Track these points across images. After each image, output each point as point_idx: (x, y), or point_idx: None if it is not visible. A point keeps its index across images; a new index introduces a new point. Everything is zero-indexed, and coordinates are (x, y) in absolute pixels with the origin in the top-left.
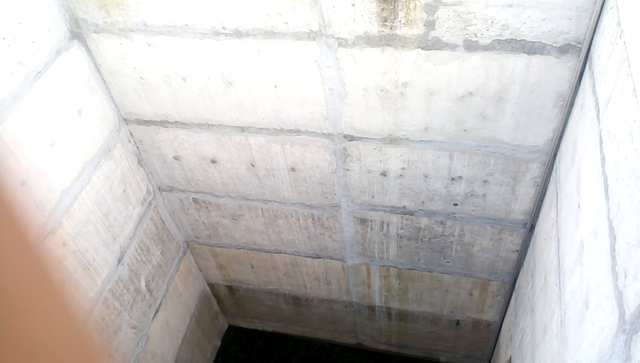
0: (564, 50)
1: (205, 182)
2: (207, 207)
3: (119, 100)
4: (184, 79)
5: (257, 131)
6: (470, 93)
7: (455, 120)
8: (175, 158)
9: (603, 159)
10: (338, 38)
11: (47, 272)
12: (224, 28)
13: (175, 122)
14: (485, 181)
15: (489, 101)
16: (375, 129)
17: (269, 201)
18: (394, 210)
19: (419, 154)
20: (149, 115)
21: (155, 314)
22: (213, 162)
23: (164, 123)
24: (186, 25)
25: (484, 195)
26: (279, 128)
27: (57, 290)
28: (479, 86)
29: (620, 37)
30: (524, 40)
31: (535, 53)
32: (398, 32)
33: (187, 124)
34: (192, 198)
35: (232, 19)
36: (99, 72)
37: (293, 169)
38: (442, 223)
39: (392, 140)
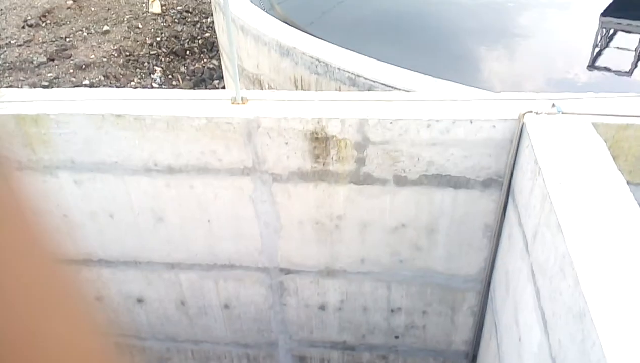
0: (486, 184)
1: (130, 324)
2: (131, 352)
3: None
4: (111, 216)
5: (188, 267)
6: (403, 225)
7: (390, 251)
8: (97, 299)
9: (537, 292)
10: (272, 174)
11: None
12: (155, 165)
13: (100, 260)
14: (424, 311)
15: (421, 232)
16: (312, 261)
17: (200, 342)
18: (334, 345)
19: (357, 286)
20: (71, 254)
21: None
22: (139, 301)
23: (86, 262)
24: (116, 162)
25: (424, 326)
26: (212, 263)
27: None
28: (411, 218)
29: (538, 174)
30: (449, 175)
31: (460, 187)
32: (330, 168)
33: (113, 262)
34: (114, 342)
35: (164, 156)
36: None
37: (227, 306)
38: (384, 357)
39: (329, 273)
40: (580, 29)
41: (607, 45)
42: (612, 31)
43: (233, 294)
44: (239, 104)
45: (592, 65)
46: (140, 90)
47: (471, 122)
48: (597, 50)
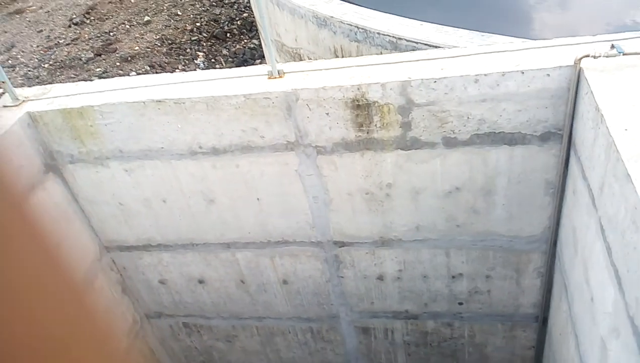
0: (545, 138)
1: (195, 304)
2: (199, 331)
3: (99, 228)
4: (164, 201)
5: (243, 246)
6: (457, 188)
7: (445, 216)
8: (161, 282)
9: (609, 248)
10: (316, 146)
11: None
12: (200, 147)
13: (159, 245)
14: (487, 276)
15: (477, 195)
16: (365, 232)
17: (264, 318)
18: (396, 315)
19: (414, 254)
20: (131, 241)
21: None
22: (201, 282)
23: (147, 247)
24: (162, 148)
25: (488, 291)
26: (266, 241)
27: None
28: (465, 181)
29: (601, 121)
30: (503, 132)
31: (516, 144)
32: (375, 135)
33: (171, 246)
34: (182, 322)
35: (207, 138)
36: (77, 201)
37: (285, 282)
38: (449, 325)
39: (384, 243)
40: None
41: None
42: None
43: (290, 270)
44: (275, 78)
45: None
46: (178, 74)
47: (522, 72)
48: None
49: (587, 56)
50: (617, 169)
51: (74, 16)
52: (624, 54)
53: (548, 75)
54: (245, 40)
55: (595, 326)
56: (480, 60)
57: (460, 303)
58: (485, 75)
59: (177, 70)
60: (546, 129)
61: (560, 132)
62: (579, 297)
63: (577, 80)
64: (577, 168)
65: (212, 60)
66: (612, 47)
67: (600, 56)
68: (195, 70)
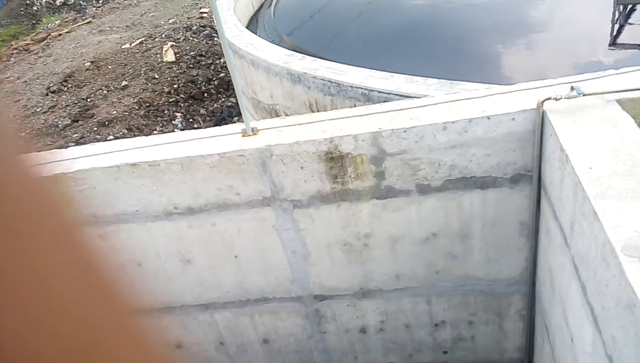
0: (515, 180)
1: None
2: None
3: None
4: (139, 265)
5: (222, 306)
6: (434, 234)
7: (425, 263)
8: None
9: (583, 287)
10: (292, 200)
11: None
12: (176, 208)
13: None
14: (470, 322)
15: (454, 240)
16: (346, 284)
17: None
18: None
19: (396, 304)
20: None
21: None
22: (178, 347)
23: None
24: (137, 211)
25: (472, 337)
26: (245, 299)
27: None
28: (441, 226)
29: (566, 161)
30: (474, 176)
31: (488, 187)
32: (350, 186)
33: (146, 311)
34: None
35: (183, 198)
36: None
37: (266, 341)
38: None
39: (365, 294)
40: (597, 10)
41: (626, 22)
42: (629, 7)
43: (270, 328)
44: (249, 135)
45: (613, 44)
46: (153, 137)
47: (489, 118)
48: (616, 28)
49: (549, 99)
50: (584, 207)
51: (52, 84)
52: (583, 95)
53: (513, 119)
54: (223, 99)
55: None
56: (448, 108)
57: (445, 352)
58: (452, 122)
59: (155, 131)
60: (516, 171)
61: (529, 174)
62: (560, 338)
63: (541, 122)
64: (548, 208)
65: (190, 120)
66: (572, 88)
67: (561, 98)
68: (173, 130)
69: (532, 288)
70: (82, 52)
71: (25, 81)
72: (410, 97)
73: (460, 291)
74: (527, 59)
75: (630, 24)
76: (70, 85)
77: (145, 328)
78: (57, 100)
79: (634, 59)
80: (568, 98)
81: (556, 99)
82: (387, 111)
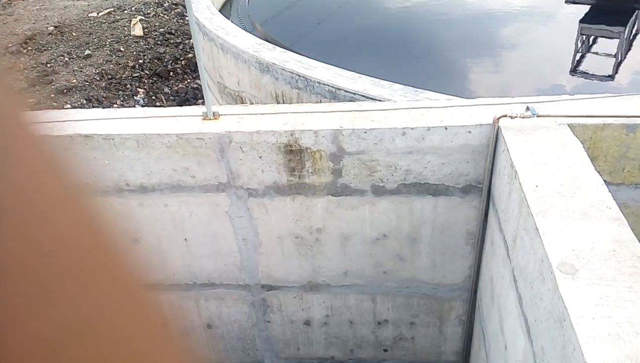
0: (466, 190)
1: None
2: None
3: None
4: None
5: (167, 288)
6: (385, 235)
7: (373, 262)
8: None
9: (520, 298)
10: (248, 189)
11: None
12: (127, 185)
13: None
14: (412, 323)
15: (404, 242)
16: (294, 276)
17: None
18: (322, 361)
19: (342, 300)
20: None
21: None
22: None
23: None
24: (86, 184)
25: (412, 337)
26: (192, 282)
27: None
28: (392, 228)
29: (515, 177)
30: (428, 183)
31: (440, 194)
32: (307, 180)
33: None
34: None
35: (136, 175)
36: None
37: (209, 326)
38: None
39: (312, 287)
40: (563, 37)
41: (588, 51)
42: (592, 37)
43: (215, 313)
44: (210, 119)
45: (574, 71)
46: (110, 110)
47: (446, 128)
48: (578, 56)
49: (505, 116)
50: (527, 222)
51: (10, 45)
52: (537, 116)
53: (469, 131)
54: (189, 80)
55: None
56: (408, 115)
57: (385, 350)
58: (412, 128)
59: (115, 105)
60: (467, 182)
61: (480, 186)
62: (495, 345)
63: (495, 137)
64: (494, 220)
65: (153, 97)
66: (527, 108)
67: (516, 116)
68: (134, 106)
69: (474, 295)
70: (46, 15)
71: None
72: (375, 99)
73: (405, 292)
74: (491, 75)
75: (592, 53)
76: (30, 48)
77: (152, 302)
78: (14, 62)
79: (591, 86)
80: (523, 117)
81: (511, 117)
82: (350, 111)
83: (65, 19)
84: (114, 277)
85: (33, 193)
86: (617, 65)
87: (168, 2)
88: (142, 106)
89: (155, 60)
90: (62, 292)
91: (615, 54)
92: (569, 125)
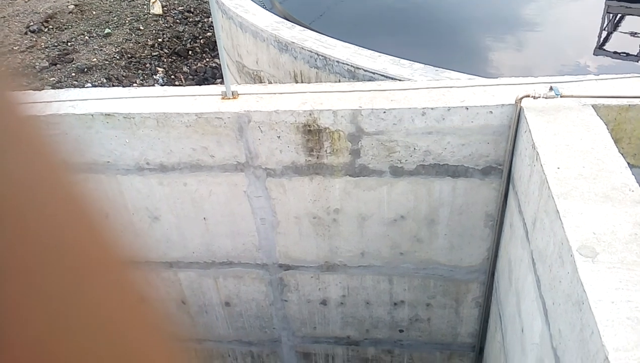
0: (486, 172)
1: None
2: None
3: None
4: (106, 216)
5: (186, 266)
6: (402, 217)
7: (390, 244)
8: None
9: (538, 281)
10: (266, 168)
11: None
12: (148, 163)
13: None
14: (428, 304)
15: (421, 224)
16: (311, 256)
17: (203, 340)
18: (338, 341)
19: (359, 280)
20: None
21: None
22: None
23: None
24: (108, 162)
25: (428, 319)
26: (210, 261)
27: None
28: (410, 209)
29: (536, 159)
30: (447, 164)
31: (459, 176)
32: (325, 161)
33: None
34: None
35: (156, 154)
36: None
37: (227, 304)
38: (389, 352)
39: (329, 267)
40: (588, 15)
41: (614, 30)
42: (618, 16)
43: (233, 292)
44: (229, 98)
45: (600, 49)
46: (130, 89)
47: (467, 108)
48: (604, 35)
49: (528, 96)
50: (548, 205)
51: (32, 23)
52: (561, 96)
53: (491, 112)
54: (207, 59)
55: (525, 356)
56: (428, 94)
57: (401, 331)
58: (432, 108)
59: (134, 84)
60: (487, 163)
61: (500, 167)
62: (512, 328)
63: (517, 118)
64: (514, 202)
65: (172, 76)
66: (551, 89)
67: (539, 97)
68: (153, 85)
69: (491, 278)
70: None
71: (4, 17)
72: (395, 79)
73: (422, 274)
74: (514, 55)
75: (618, 32)
76: (51, 27)
77: (137, 280)
78: (36, 41)
79: (617, 66)
80: (546, 97)
81: (534, 97)
82: (369, 90)
83: None
84: (105, 264)
85: (22, 182)
86: None
87: None
88: (162, 85)
89: (175, 39)
90: (60, 288)
91: None
92: (592, 106)
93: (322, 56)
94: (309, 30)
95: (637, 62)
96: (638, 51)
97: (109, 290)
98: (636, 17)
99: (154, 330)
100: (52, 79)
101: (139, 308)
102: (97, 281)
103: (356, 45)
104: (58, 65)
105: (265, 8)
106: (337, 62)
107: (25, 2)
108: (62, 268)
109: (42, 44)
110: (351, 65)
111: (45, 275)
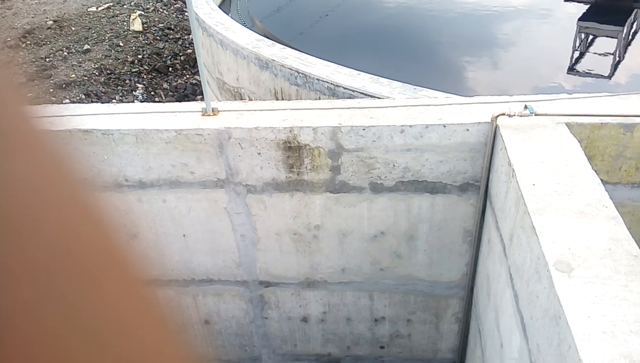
0: (464, 188)
1: None
2: None
3: None
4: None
5: (165, 283)
6: (382, 232)
7: (371, 260)
8: None
9: (516, 296)
10: (246, 185)
11: None
12: (126, 180)
13: None
14: (408, 320)
15: (401, 240)
16: (292, 273)
17: None
18: (319, 358)
19: (339, 296)
20: None
21: None
22: None
23: None
24: (85, 179)
25: (409, 335)
26: (190, 278)
27: None
28: (390, 226)
29: (512, 176)
30: (426, 180)
31: (437, 192)
32: (305, 177)
33: None
34: None
35: (135, 171)
36: None
37: (207, 322)
38: None
39: (310, 284)
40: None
41: (586, 50)
42: (590, 36)
43: (213, 309)
44: (209, 115)
45: (572, 70)
46: (109, 105)
47: (444, 126)
48: (577, 55)
49: (503, 114)
50: (524, 221)
51: (9, 39)
52: (535, 115)
53: (467, 130)
54: (188, 76)
55: None
56: (407, 112)
57: (382, 347)
58: (410, 126)
59: (114, 100)
60: (465, 180)
61: (477, 184)
62: (491, 343)
63: (493, 136)
64: (491, 218)
65: (152, 93)
66: (525, 107)
67: (514, 115)
68: (133, 101)
69: (470, 293)
70: (45, 10)
71: None
72: (374, 96)
73: (402, 289)
74: (490, 74)
75: (590, 52)
76: (29, 42)
77: (155, 299)
78: (13, 57)
79: (589, 85)
80: (521, 116)
81: (509, 116)
82: (349, 108)
83: (64, 13)
84: (118, 273)
85: (36, 190)
86: (616, 65)
87: None
88: (141, 101)
89: (155, 56)
90: (66, 290)
91: (613, 53)
92: (566, 124)
93: (302, 74)
94: (289, 48)
95: (609, 81)
96: (609, 71)
97: (130, 307)
98: (606, 38)
99: (159, 334)
100: (29, 95)
101: (162, 328)
102: (108, 287)
103: (336, 63)
104: (36, 81)
105: (245, 26)
106: (317, 79)
107: (2, 17)
108: (72, 272)
109: (20, 59)
110: (331, 83)
111: (55, 278)
